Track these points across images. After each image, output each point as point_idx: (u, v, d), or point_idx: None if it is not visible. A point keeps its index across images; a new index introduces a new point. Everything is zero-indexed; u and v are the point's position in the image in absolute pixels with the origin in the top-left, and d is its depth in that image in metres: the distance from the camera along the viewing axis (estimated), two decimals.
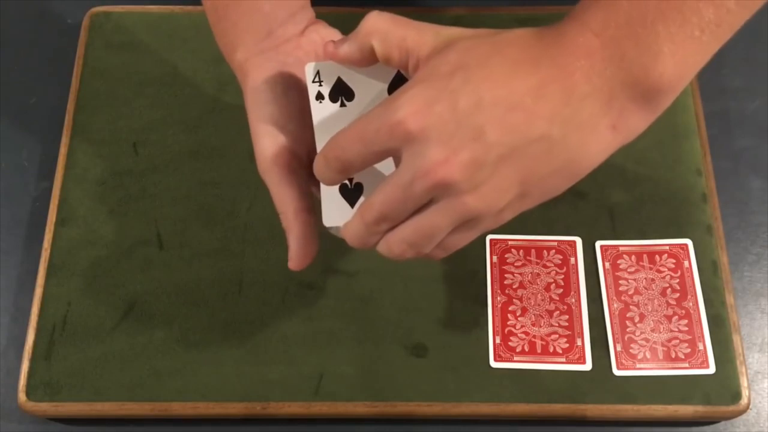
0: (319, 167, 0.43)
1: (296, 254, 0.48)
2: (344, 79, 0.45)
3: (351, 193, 0.46)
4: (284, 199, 0.47)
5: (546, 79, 0.39)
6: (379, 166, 0.45)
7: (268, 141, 0.47)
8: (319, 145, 0.45)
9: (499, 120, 0.39)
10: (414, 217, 0.42)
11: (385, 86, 0.45)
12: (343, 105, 0.45)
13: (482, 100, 0.39)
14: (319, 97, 0.45)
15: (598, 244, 0.62)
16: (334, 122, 0.45)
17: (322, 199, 0.46)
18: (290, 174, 0.47)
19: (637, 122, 0.41)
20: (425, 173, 0.39)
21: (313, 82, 0.45)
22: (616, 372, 0.57)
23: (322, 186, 0.45)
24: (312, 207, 0.48)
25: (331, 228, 0.46)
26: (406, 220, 0.42)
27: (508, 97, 0.39)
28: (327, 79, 0.45)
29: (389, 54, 0.42)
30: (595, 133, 0.40)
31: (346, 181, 0.45)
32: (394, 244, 0.43)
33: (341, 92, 0.45)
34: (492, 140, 0.39)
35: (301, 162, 0.48)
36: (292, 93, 0.48)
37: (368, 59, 0.43)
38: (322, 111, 0.45)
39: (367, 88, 0.45)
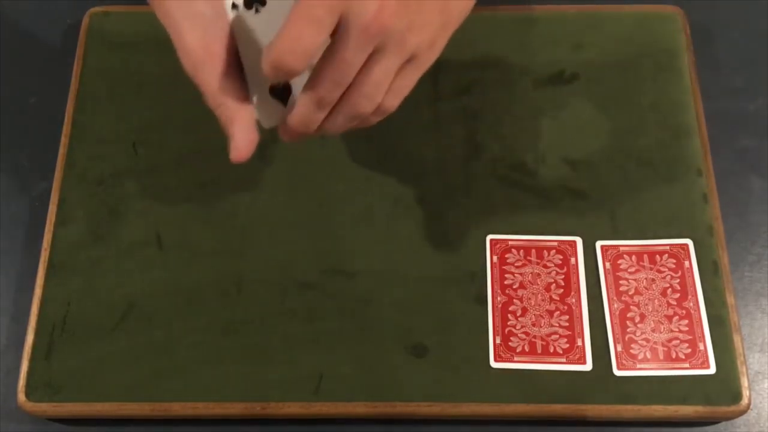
0: (270, 71, 0.44)
1: (244, 142, 0.48)
2: None
3: (281, 93, 0.48)
4: (226, 88, 0.47)
5: None
6: None
7: (197, 34, 0.47)
8: (242, 50, 0.46)
9: None
10: (363, 73, 0.45)
11: None
12: (257, 11, 0.46)
13: None
14: (234, 6, 0.46)
15: (599, 244, 0.62)
16: (254, 28, 0.46)
17: (256, 104, 0.47)
18: (226, 65, 0.47)
19: None
20: (368, 25, 0.43)
21: None
22: (617, 372, 0.57)
23: (252, 92, 0.47)
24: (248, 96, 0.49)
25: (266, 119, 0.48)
26: (354, 81, 0.45)
27: None
28: None
29: None
30: None
31: (276, 83, 0.47)
32: (353, 104, 0.46)
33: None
34: None
35: (231, 56, 0.48)
36: None
37: None
38: (239, 19, 0.46)
39: None
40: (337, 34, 0.44)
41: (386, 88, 0.46)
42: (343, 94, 0.46)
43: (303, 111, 0.47)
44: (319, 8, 0.43)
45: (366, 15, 0.43)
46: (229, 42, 0.47)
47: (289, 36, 0.43)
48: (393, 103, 0.48)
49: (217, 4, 0.47)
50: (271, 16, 0.46)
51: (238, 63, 0.48)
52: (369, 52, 0.44)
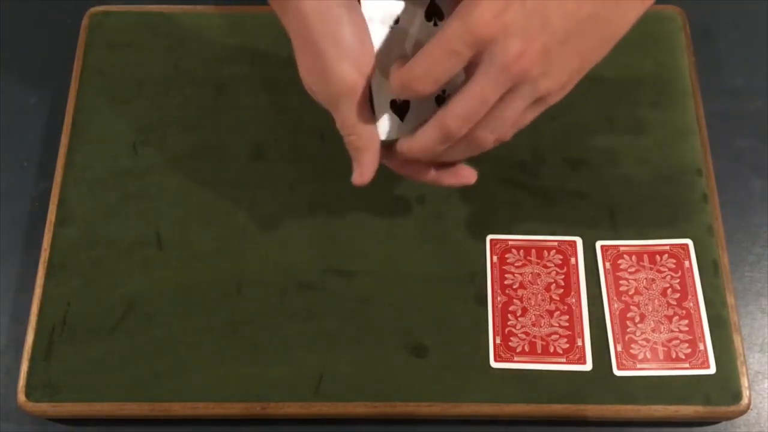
0: (396, 88, 0.47)
1: (369, 169, 0.51)
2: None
3: (400, 108, 0.50)
4: (361, 121, 0.49)
5: None
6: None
7: (348, 64, 0.47)
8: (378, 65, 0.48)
9: (559, 9, 0.44)
10: (493, 111, 0.46)
11: (422, 11, 0.49)
12: (391, 27, 0.49)
13: None
14: (397, 21, 0.49)
15: (599, 244, 0.62)
16: (394, 40, 0.49)
17: (376, 115, 0.49)
18: (366, 101, 0.49)
19: None
20: (508, 66, 0.44)
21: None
22: (617, 372, 0.57)
23: (376, 103, 0.49)
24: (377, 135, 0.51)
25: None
26: (484, 117, 0.47)
27: None
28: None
29: None
30: (628, 5, 0.47)
31: (395, 98, 0.49)
32: (479, 138, 0.48)
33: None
34: (556, 27, 0.44)
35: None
36: (355, 13, 0.48)
37: None
38: (375, 33, 0.48)
39: (408, 12, 0.49)
40: (477, 70, 0.45)
41: (512, 127, 0.48)
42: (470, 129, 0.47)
43: (427, 142, 0.48)
44: (460, 43, 0.44)
45: (508, 55, 0.44)
46: (371, 74, 0.49)
47: (424, 62, 0.45)
48: (510, 134, 0.49)
49: (362, 35, 0.48)
50: (412, 32, 0.49)
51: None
52: (504, 90, 0.45)
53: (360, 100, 0.48)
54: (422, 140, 0.48)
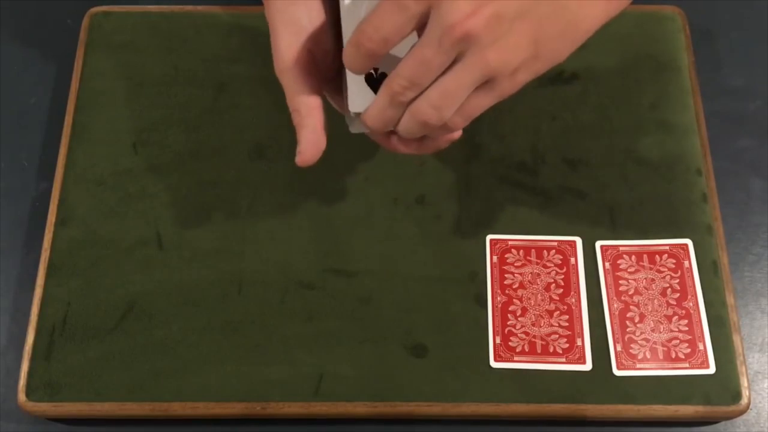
0: (350, 54, 0.45)
1: (308, 145, 0.50)
2: None
3: (376, 82, 0.48)
4: (300, 96, 0.49)
5: None
6: (398, 51, 0.46)
7: (288, 41, 0.49)
8: (346, 37, 0.47)
9: None
10: (437, 81, 0.44)
11: None
12: None
13: None
14: None
15: (598, 244, 0.62)
16: (363, 16, 0.47)
17: (348, 88, 0.48)
18: (307, 74, 0.49)
19: None
20: (454, 26, 0.42)
21: None
22: (616, 372, 0.57)
23: (348, 76, 0.47)
24: (324, 106, 0.50)
25: (354, 120, 0.49)
26: (430, 86, 0.44)
27: None
28: None
29: None
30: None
31: (372, 71, 0.48)
32: (419, 110, 0.45)
33: None
34: None
35: (317, 63, 0.50)
36: None
37: None
38: (352, 6, 0.47)
39: None
40: (424, 32, 0.43)
41: (456, 104, 0.45)
42: (416, 96, 0.46)
43: (377, 104, 0.47)
44: None
45: (453, 15, 0.42)
46: (317, 50, 0.49)
47: (373, 19, 0.43)
48: (458, 122, 0.47)
49: (315, 13, 0.49)
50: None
51: (324, 65, 0.50)
52: (449, 56, 0.43)
53: (301, 76, 0.49)
54: (374, 106, 0.47)
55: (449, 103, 0.45)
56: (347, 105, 0.48)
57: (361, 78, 0.48)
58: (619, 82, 0.67)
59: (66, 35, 0.72)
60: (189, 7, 0.71)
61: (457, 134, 0.50)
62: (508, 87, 0.46)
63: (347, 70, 0.47)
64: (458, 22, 0.42)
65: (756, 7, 0.73)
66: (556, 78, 0.67)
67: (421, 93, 0.45)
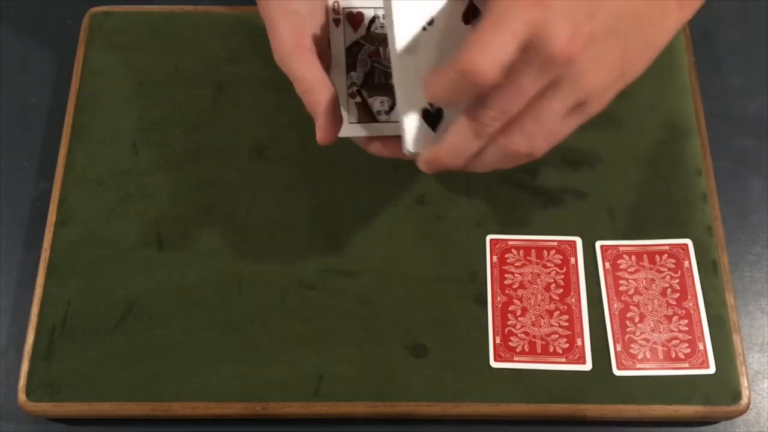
0: (463, 69, 0.41)
1: (326, 125, 0.48)
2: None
3: (433, 118, 0.47)
4: (309, 76, 0.48)
5: None
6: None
7: (289, 29, 0.48)
8: (401, 69, 0.45)
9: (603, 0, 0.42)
10: (530, 108, 0.43)
11: (460, 12, 0.46)
12: (424, 29, 0.45)
13: None
14: (430, 23, 0.45)
15: (598, 244, 0.62)
16: (421, 45, 0.45)
17: (405, 126, 0.46)
18: (312, 55, 0.48)
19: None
20: (557, 53, 0.40)
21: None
22: (616, 372, 0.57)
23: (403, 113, 0.46)
24: (332, 85, 0.49)
25: (349, 126, 0.49)
26: (519, 115, 0.43)
27: None
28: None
29: None
30: (668, 9, 0.45)
31: (428, 107, 0.46)
32: (511, 141, 0.44)
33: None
34: (602, 17, 0.42)
35: (318, 52, 0.49)
36: None
37: None
38: (406, 36, 0.45)
39: (444, 13, 0.46)
40: (519, 59, 0.41)
41: (548, 131, 0.44)
42: (503, 127, 0.44)
43: (458, 138, 0.45)
44: (516, 19, 0.40)
45: (557, 41, 0.40)
46: (319, 38, 0.49)
47: (481, 41, 0.41)
48: (544, 149, 0.45)
49: (311, 4, 0.49)
50: (440, 36, 0.45)
51: (327, 57, 0.49)
52: (545, 83, 0.42)
53: (306, 59, 0.48)
54: (452, 137, 0.45)
55: (542, 130, 0.44)
56: (403, 145, 0.47)
57: (416, 114, 0.46)
58: None
59: (66, 35, 0.72)
60: (189, 7, 0.71)
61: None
62: (596, 108, 0.45)
63: (399, 106, 0.46)
64: (562, 49, 0.41)
65: (756, 7, 0.73)
66: None
67: (510, 122, 0.43)
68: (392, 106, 0.51)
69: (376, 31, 0.52)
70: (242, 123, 0.66)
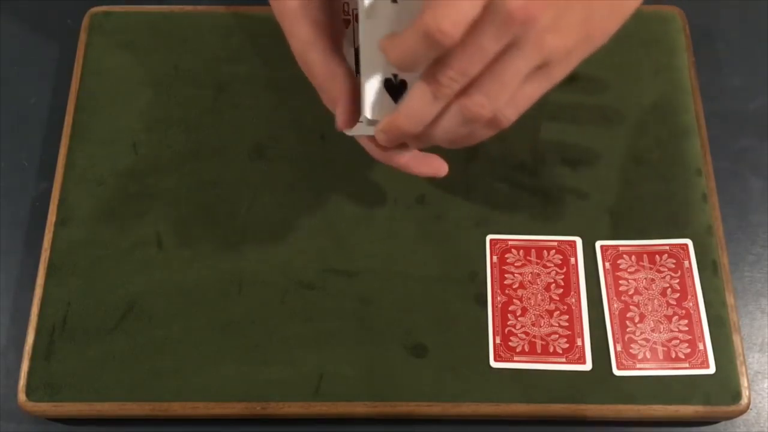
0: (426, 30, 0.40)
1: (346, 116, 0.48)
2: None
3: (396, 89, 0.46)
4: (331, 69, 0.48)
5: None
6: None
7: (308, 27, 0.48)
8: (366, 38, 0.45)
9: None
10: (489, 69, 0.42)
11: None
12: (394, 1, 0.45)
13: None
14: None
15: (598, 244, 0.62)
16: (385, 16, 0.45)
17: (365, 92, 0.46)
18: (333, 50, 0.48)
19: None
20: (515, 10, 0.40)
21: None
22: (616, 372, 0.57)
23: (365, 80, 0.46)
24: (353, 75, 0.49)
25: (364, 125, 0.48)
26: (479, 75, 0.42)
27: None
28: None
29: None
30: None
31: (391, 76, 0.46)
32: (471, 102, 0.43)
33: None
34: None
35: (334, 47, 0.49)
36: None
37: None
38: (372, 6, 0.45)
39: None
40: (479, 18, 0.40)
41: (510, 93, 0.43)
42: (463, 90, 0.43)
43: (415, 101, 0.44)
44: None
45: (514, 0, 0.39)
46: (334, 33, 0.49)
47: (443, 1, 0.40)
48: (510, 115, 0.45)
49: (325, 3, 0.48)
50: (406, 10, 0.45)
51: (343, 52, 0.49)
52: (505, 42, 0.41)
53: (325, 53, 0.48)
54: (410, 101, 0.44)
55: (504, 91, 0.43)
56: (362, 110, 0.47)
57: (378, 83, 0.46)
58: (620, 82, 0.67)
59: (66, 35, 0.72)
60: (189, 7, 0.71)
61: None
62: (561, 71, 0.44)
63: (362, 73, 0.46)
64: (521, 6, 0.40)
65: (756, 7, 0.73)
66: None
67: (469, 85, 0.42)
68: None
69: None
70: (242, 123, 0.66)
